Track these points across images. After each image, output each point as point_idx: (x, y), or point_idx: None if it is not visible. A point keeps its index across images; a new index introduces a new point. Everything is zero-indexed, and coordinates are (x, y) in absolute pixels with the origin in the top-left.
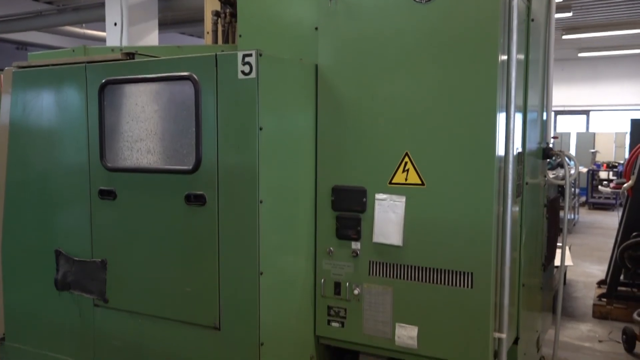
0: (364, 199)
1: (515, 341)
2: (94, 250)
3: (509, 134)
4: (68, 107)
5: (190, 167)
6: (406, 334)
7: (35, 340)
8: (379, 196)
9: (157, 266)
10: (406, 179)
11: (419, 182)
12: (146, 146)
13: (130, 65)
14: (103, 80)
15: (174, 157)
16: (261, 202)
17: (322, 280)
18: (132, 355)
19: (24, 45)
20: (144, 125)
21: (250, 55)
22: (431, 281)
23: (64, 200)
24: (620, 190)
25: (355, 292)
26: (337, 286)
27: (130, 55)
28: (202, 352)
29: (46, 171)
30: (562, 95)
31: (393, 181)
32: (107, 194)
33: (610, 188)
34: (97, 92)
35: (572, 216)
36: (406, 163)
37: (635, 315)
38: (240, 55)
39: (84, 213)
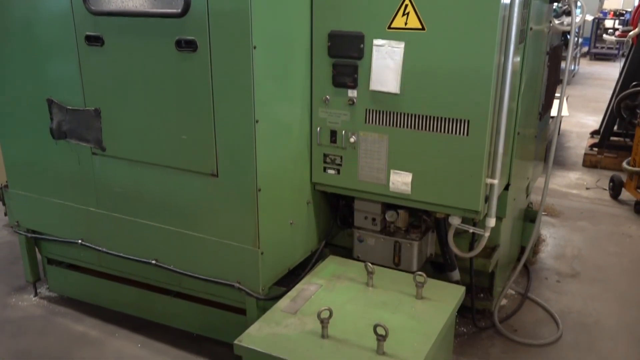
0: (362, 45)
1: (506, 187)
2: (86, 99)
3: None
4: None
5: (179, 11)
6: (400, 180)
7: (38, 188)
8: (377, 42)
9: (152, 114)
10: (406, 24)
11: (419, 26)
12: None
13: None
14: None
15: (161, 0)
16: (255, 47)
17: (318, 128)
18: (133, 201)
19: None
20: None
21: None
22: (427, 129)
23: (51, 48)
24: (625, 39)
25: (351, 140)
26: (333, 134)
27: None
28: (201, 198)
29: (28, 16)
30: None
31: (392, 26)
32: (94, 40)
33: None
34: None
35: (573, 67)
36: (406, 6)
37: (624, 164)
38: None
39: (73, 60)
